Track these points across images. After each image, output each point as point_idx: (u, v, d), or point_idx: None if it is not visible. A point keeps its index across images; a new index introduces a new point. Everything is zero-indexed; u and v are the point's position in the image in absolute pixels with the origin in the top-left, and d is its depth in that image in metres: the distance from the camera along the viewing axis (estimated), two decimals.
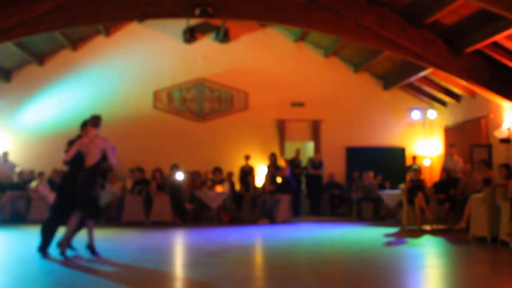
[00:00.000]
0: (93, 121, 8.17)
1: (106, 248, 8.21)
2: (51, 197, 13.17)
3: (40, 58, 16.49)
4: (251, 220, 14.38)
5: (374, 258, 8.50)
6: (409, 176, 13.13)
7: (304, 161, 17.41)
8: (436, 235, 11.40)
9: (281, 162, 15.91)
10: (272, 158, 15.64)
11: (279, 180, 14.74)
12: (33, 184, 14.03)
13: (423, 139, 17.37)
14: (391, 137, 17.45)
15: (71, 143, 8.21)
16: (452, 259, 8.71)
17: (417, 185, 12.60)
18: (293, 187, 14.67)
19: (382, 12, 12.38)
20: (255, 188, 15.60)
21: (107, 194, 13.73)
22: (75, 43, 16.67)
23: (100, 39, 16.95)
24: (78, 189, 7.90)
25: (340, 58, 17.59)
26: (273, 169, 15.19)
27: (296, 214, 15.08)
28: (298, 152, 16.65)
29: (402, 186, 13.11)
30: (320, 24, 12.73)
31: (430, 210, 12.22)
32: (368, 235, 11.59)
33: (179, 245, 10.72)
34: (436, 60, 12.65)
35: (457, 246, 9.87)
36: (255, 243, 10.90)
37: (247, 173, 15.86)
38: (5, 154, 15.48)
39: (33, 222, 13.20)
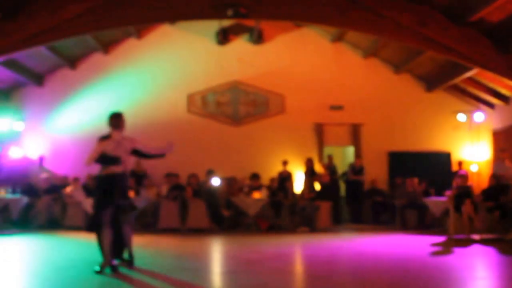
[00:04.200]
0: (113, 124, 7.62)
1: (142, 256, 7.97)
2: (86, 202, 13.09)
3: (72, 62, 16.54)
4: (290, 227, 14.00)
5: (419, 268, 8.11)
6: (455, 183, 12.61)
7: (343, 167, 17.01)
8: (485, 245, 10.99)
9: (319, 168, 15.54)
10: (309, 164, 15.28)
11: (317, 186, 14.40)
12: (68, 189, 13.90)
13: (470, 144, 16.83)
14: (436, 141, 16.94)
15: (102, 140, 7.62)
16: (503, 271, 8.24)
17: (464, 192, 12.14)
18: (334, 194, 14.28)
19: (422, 10, 12.07)
20: (293, 194, 15.22)
21: (142, 200, 13.52)
22: (107, 46, 16.66)
23: (131, 42, 16.88)
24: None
25: (380, 59, 17.18)
26: (310, 174, 14.84)
27: (337, 222, 14.70)
28: (330, 158, 16.24)
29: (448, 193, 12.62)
30: (358, 24, 12.45)
31: (479, 219, 11.77)
32: (413, 244, 11.21)
33: (216, 253, 10.50)
34: (482, 59, 12.26)
35: (508, 257, 9.40)
36: (294, 251, 10.59)
37: (285, 179, 15.51)
38: (41, 160, 15.51)
39: (69, 228, 13.26)
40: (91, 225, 7.47)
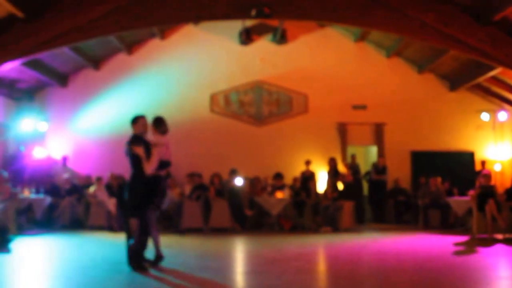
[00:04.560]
0: (163, 129, 7.91)
1: (165, 255, 8.03)
2: (109, 202, 13.18)
3: (96, 62, 16.69)
4: (313, 227, 13.97)
5: (442, 268, 8.07)
6: (478, 182, 12.51)
7: (366, 166, 16.95)
8: (509, 244, 10.90)
9: (342, 168, 15.49)
10: (332, 163, 15.23)
11: (340, 186, 14.37)
12: (91, 189, 13.99)
13: (493, 143, 16.67)
14: (459, 140, 16.81)
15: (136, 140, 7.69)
16: None
17: (487, 192, 12.02)
18: (357, 193, 14.23)
19: (446, 10, 11.89)
20: (316, 194, 15.20)
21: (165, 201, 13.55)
22: (131, 47, 16.80)
23: (155, 43, 17.01)
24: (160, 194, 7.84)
25: (403, 58, 17.09)
26: (333, 174, 14.80)
27: (360, 221, 14.65)
28: (353, 157, 16.18)
29: (471, 192, 12.52)
30: (381, 23, 12.31)
31: (503, 218, 11.64)
32: (436, 244, 11.15)
33: (238, 253, 10.54)
34: (505, 59, 12.05)
35: None
36: (317, 251, 10.59)
37: (308, 178, 15.49)
38: (64, 159, 15.63)
39: (92, 227, 13.33)
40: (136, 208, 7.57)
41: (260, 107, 16.86)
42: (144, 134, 7.71)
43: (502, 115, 16.27)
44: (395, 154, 16.57)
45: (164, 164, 7.67)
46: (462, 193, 14.00)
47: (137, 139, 7.59)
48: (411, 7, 11.93)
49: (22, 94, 16.10)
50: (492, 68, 13.62)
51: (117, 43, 15.64)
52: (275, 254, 9.52)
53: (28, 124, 15.43)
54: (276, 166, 15.64)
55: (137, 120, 7.82)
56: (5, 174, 12.20)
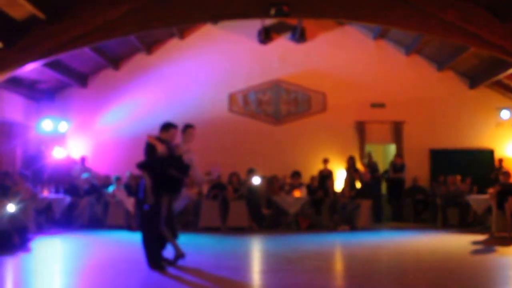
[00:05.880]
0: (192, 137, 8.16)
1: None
2: (128, 202, 13.25)
3: (116, 62, 16.81)
4: (331, 226, 13.95)
5: (461, 267, 8.06)
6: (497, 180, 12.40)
7: (385, 165, 16.89)
8: None
9: (360, 166, 15.44)
10: (350, 162, 15.19)
11: (358, 184, 14.34)
12: (110, 189, 14.07)
13: None
14: (479, 138, 16.64)
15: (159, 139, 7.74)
16: None
17: (507, 189, 11.91)
18: (374, 192, 14.17)
19: (466, 6, 11.78)
20: (334, 192, 15.16)
21: (183, 199, 13.59)
22: (150, 47, 16.90)
23: (174, 42, 17.08)
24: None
25: (423, 56, 16.96)
26: (352, 173, 14.76)
27: (378, 220, 14.60)
28: (369, 154, 16.12)
29: (491, 190, 12.41)
30: (400, 20, 12.26)
31: None
32: (454, 243, 11.08)
33: (256, 252, 10.54)
34: None
35: None
36: (334, 250, 10.59)
37: (325, 177, 15.45)
38: (83, 160, 15.73)
39: (111, 227, 13.40)
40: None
41: (278, 106, 16.86)
42: (169, 142, 7.73)
43: None
44: (414, 153, 16.48)
45: (186, 168, 7.74)
46: (482, 191, 13.90)
47: (160, 139, 7.62)
48: (430, 4, 11.85)
49: (42, 94, 16.26)
50: None
51: (137, 43, 15.74)
52: (292, 253, 9.53)
53: (48, 124, 15.58)
54: (294, 164, 15.57)
55: (168, 129, 7.83)
56: (26, 174, 12.32)
